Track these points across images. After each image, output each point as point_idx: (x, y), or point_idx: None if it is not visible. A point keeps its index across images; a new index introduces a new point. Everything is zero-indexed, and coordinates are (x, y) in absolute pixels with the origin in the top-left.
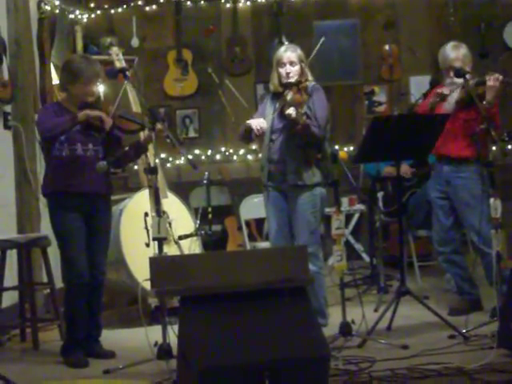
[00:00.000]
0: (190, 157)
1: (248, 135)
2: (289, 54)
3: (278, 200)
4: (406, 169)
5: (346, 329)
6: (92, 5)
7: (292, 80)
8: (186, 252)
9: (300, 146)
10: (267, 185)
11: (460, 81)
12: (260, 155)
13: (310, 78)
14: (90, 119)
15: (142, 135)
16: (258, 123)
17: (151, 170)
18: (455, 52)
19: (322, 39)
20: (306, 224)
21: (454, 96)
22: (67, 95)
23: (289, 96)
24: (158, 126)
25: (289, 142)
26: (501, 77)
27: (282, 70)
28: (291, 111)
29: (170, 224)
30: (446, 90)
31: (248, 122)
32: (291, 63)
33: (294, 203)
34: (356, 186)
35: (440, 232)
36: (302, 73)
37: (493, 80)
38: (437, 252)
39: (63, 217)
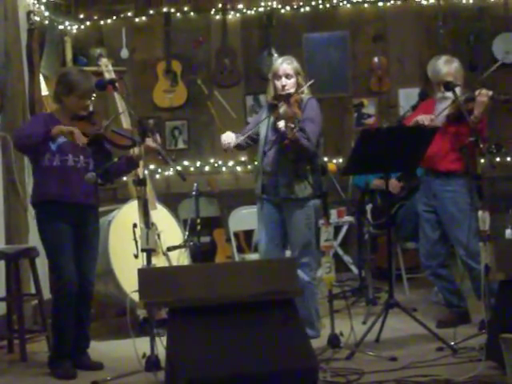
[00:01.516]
0: (178, 168)
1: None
2: (285, 66)
3: (272, 212)
4: (393, 184)
5: (334, 341)
6: (81, 16)
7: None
8: (175, 263)
9: (291, 160)
10: (261, 197)
11: (451, 95)
12: (249, 167)
13: (307, 90)
14: (64, 134)
15: (133, 151)
16: (225, 138)
17: (140, 182)
18: (447, 67)
19: (312, 81)
20: (301, 235)
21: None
22: (60, 107)
23: (281, 109)
24: (151, 144)
25: (281, 155)
26: (490, 92)
27: (278, 83)
28: (281, 125)
29: (158, 235)
30: (420, 119)
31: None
32: (287, 76)
33: (289, 215)
34: (345, 198)
35: (426, 245)
36: (297, 86)
37: (482, 96)
38: (423, 266)
39: (51, 226)
